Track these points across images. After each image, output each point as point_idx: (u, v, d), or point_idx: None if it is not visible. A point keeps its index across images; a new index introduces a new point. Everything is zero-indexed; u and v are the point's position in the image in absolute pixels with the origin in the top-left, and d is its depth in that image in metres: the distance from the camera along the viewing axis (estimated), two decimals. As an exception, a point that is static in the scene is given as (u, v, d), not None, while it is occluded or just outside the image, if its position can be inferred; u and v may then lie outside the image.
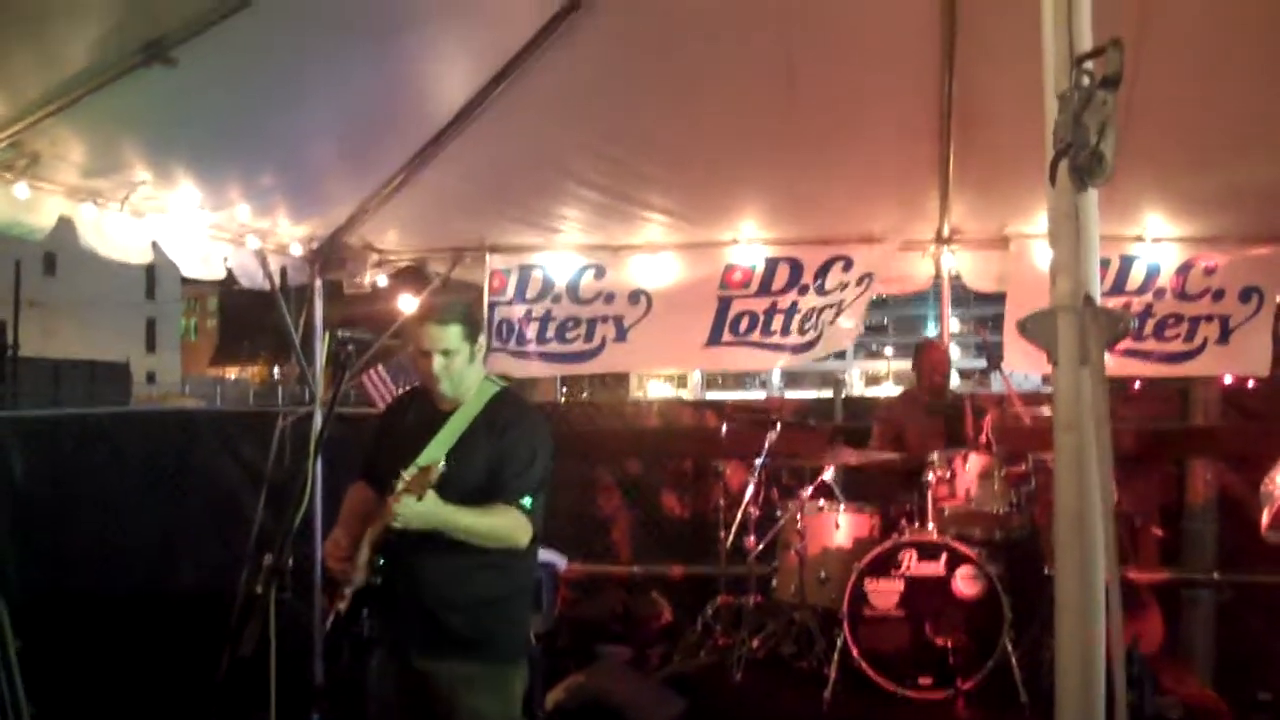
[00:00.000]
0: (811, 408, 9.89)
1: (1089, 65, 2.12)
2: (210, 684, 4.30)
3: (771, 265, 7.95)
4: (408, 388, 4.97)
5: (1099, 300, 1.79)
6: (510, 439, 4.25)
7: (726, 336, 8.03)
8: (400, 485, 3.90)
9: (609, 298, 8.10)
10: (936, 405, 7.72)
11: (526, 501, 4.17)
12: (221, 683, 3.85)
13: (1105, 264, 7.55)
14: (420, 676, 4.18)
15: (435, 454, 4.11)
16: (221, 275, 6.92)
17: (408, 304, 7.68)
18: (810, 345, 7.97)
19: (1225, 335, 7.60)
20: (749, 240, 7.90)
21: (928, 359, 7.85)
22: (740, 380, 56.18)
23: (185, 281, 44.00)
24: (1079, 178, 1.87)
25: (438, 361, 4.22)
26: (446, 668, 4.16)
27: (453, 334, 4.24)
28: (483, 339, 4.43)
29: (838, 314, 7.93)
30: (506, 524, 4.16)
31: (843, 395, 9.86)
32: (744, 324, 8.00)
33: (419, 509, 3.91)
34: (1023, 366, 7.92)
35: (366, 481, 4.49)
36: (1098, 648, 1.68)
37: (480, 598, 4.24)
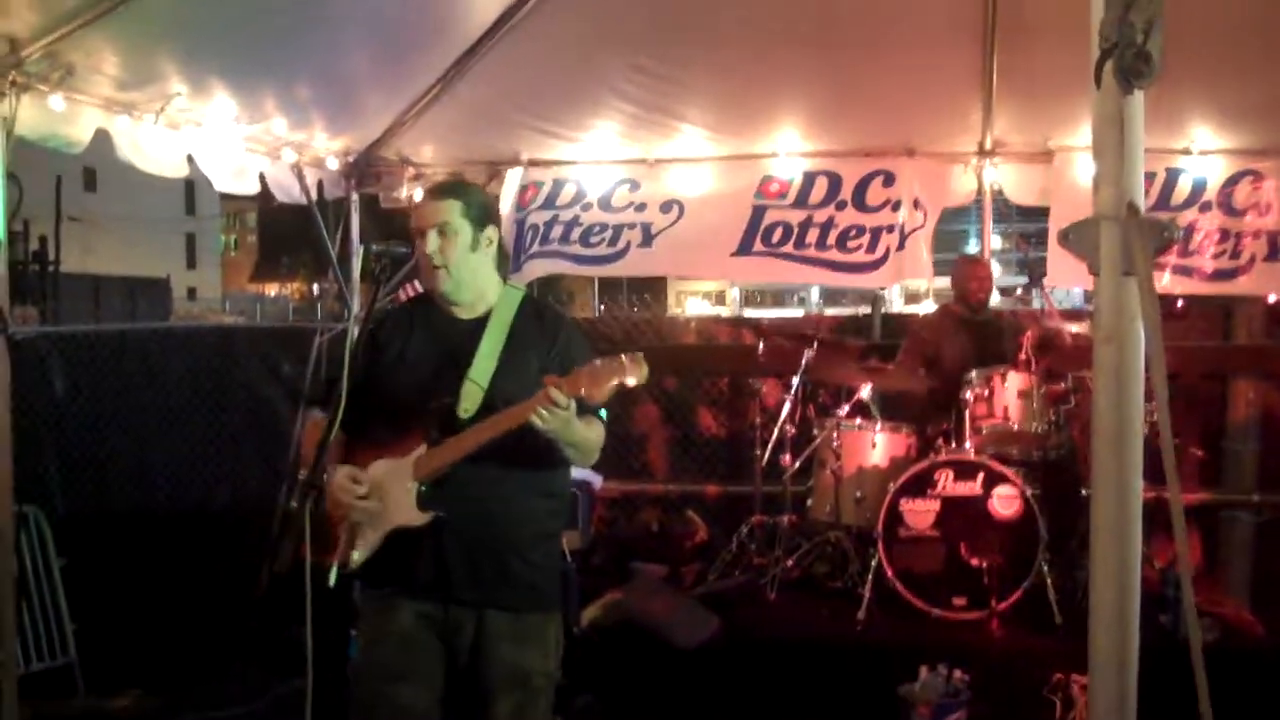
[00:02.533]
0: (849, 325, 9.80)
1: (1136, -35, 2.03)
2: (249, 599, 4.23)
3: (809, 179, 7.88)
4: (399, 300, 4.26)
5: (1143, 210, 1.71)
6: (565, 346, 3.83)
7: (758, 246, 7.95)
8: (563, 382, 3.43)
9: (640, 207, 8.07)
10: (974, 321, 7.62)
11: (603, 413, 3.75)
12: (260, 598, 3.78)
13: (1151, 177, 7.42)
14: (445, 628, 3.74)
15: (483, 369, 3.70)
16: (256, 190, 6.92)
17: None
18: (874, 266, 7.90)
19: (1275, 252, 7.46)
20: (788, 154, 7.82)
21: (969, 274, 7.74)
22: (779, 297, 55.92)
23: (224, 197, 43.99)
24: (1125, 79, 1.79)
25: (431, 240, 3.70)
26: (491, 617, 3.71)
27: (450, 208, 3.74)
28: (493, 231, 3.87)
29: (903, 240, 7.84)
30: (597, 437, 3.79)
31: (881, 312, 9.77)
32: (777, 234, 7.92)
33: (566, 414, 3.48)
34: (1067, 281, 7.82)
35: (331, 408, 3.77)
36: (1133, 569, 1.63)
37: (540, 533, 3.86)
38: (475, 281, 3.83)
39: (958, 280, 7.80)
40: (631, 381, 3.47)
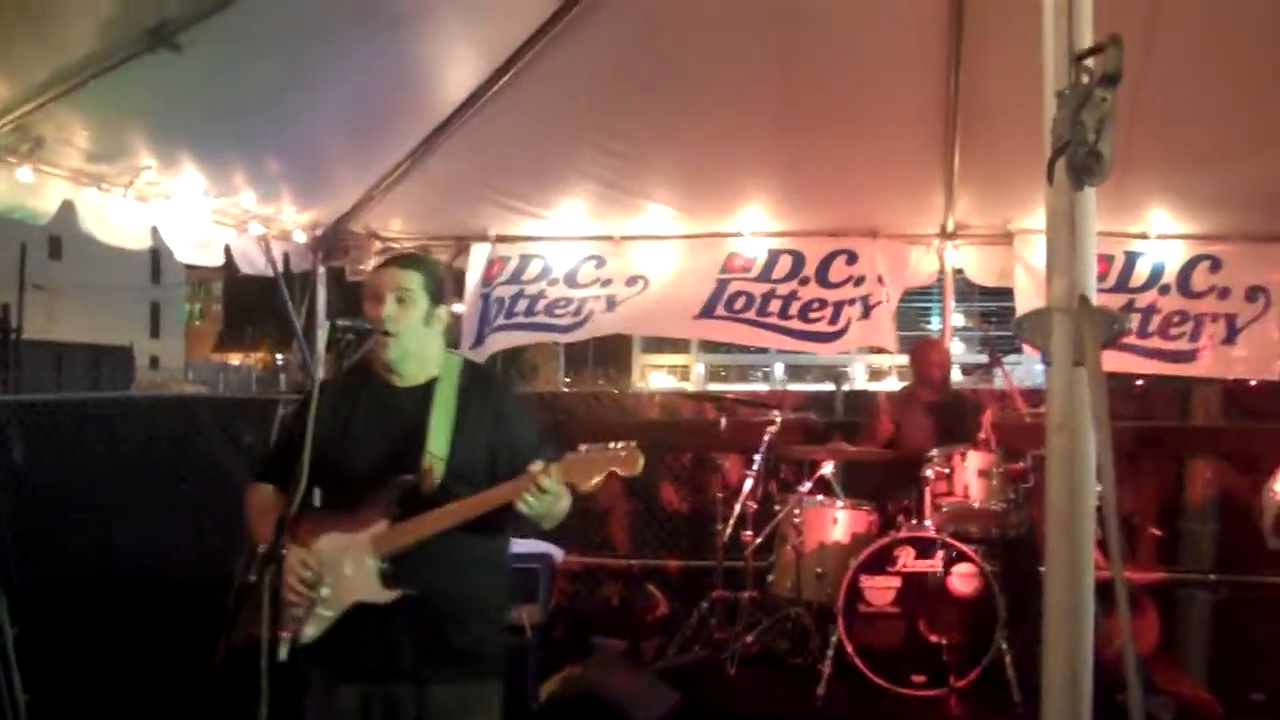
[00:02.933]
0: (813, 401, 9.86)
1: (1089, 63, 2.11)
2: (205, 672, 4.16)
3: (774, 256, 7.98)
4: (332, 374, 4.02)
5: (1095, 300, 1.77)
6: (512, 410, 3.85)
7: (720, 310, 8.01)
8: (554, 470, 3.44)
9: (605, 282, 8.12)
10: (936, 400, 7.71)
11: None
12: (217, 672, 3.72)
13: (1109, 260, 7.58)
14: (387, 707, 3.66)
15: (440, 441, 3.65)
16: (219, 262, 6.94)
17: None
18: (837, 335, 7.98)
19: (1232, 335, 7.57)
20: (753, 233, 7.92)
21: (926, 357, 7.83)
22: (743, 374, 56.04)
23: (190, 266, 43.93)
24: (1076, 176, 1.86)
25: (389, 305, 3.66)
26: (433, 692, 3.65)
27: (413, 280, 3.72)
28: (445, 311, 3.87)
29: (866, 310, 7.92)
30: (568, 505, 3.72)
31: (845, 389, 9.83)
32: (740, 302, 7.98)
33: (553, 498, 3.49)
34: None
35: (276, 481, 3.82)
36: (1085, 648, 1.67)
37: (484, 603, 3.80)
38: (421, 353, 3.80)
39: (916, 362, 7.90)
40: (624, 472, 3.50)
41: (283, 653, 3.52)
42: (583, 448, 3.53)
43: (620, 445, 3.52)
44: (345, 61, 5.66)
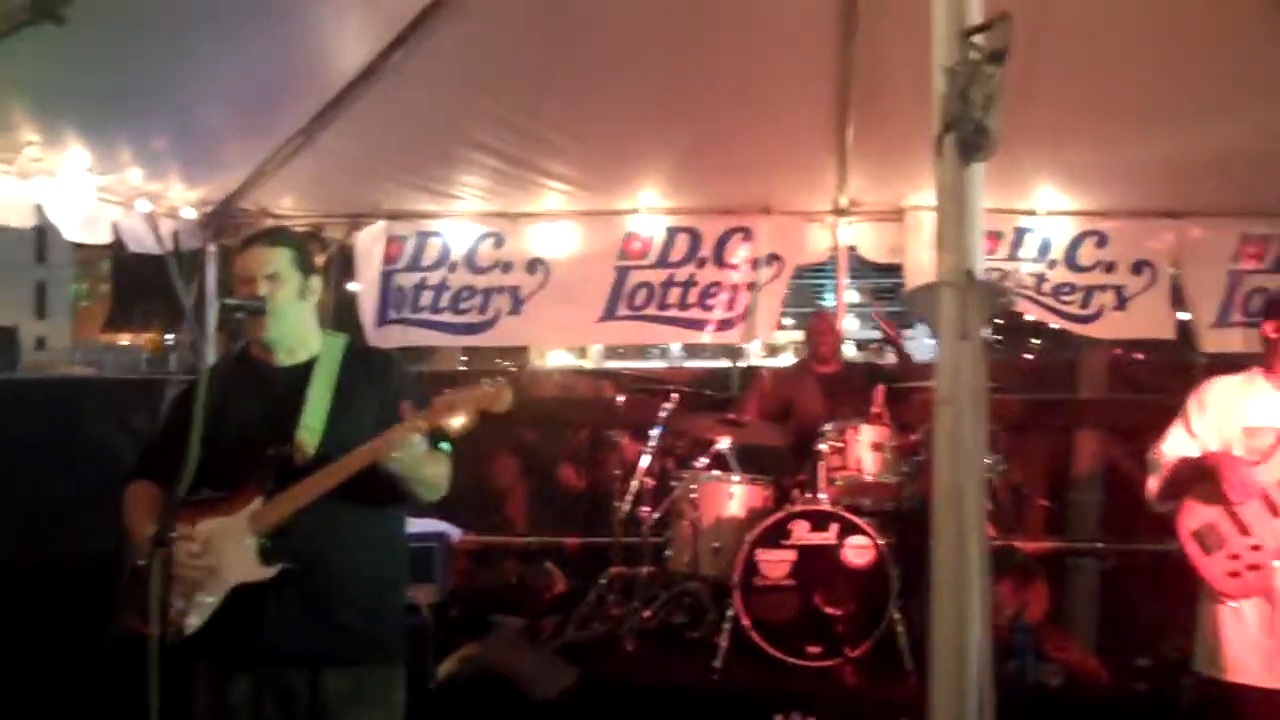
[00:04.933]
0: (709, 378, 9.91)
1: (978, 39, 2.12)
2: (96, 659, 4.04)
3: (671, 235, 8.03)
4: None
5: (981, 274, 1.79)
6: (399, 387, 3.69)
7: (622, 310, 8.10)
8: (410, 422, 3.37)
9: (506, 267, 8.11)
10: (830, 375, 7.78)
11: (446, 445, 3.62)
12: (107, 657, 3.62)
13: (999, 236, 7.73)
14: (281, 694, 3.56)
15: (316, 415, 3.58)
16: (108, 240, 6.78)
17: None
18: (733, 324, 8.09)
19: (1122, 303, 7.76)
20: (649, 210, 7.94)
21: (815, 330, 7.93)
22: (641, 350, 56.06)
23: (77, 245, 43.01)
24: (964, 152, 1.88)
25: (262, 287, 3.58)
26: (328, 677, 3.56)
27: (281, 257, 3.65)
28: (317, 281, 3.78)
29: (757, 295, 8.03)
30: (445, 472, 3.67)
31: (741, 365, 9.89)
32: (640, 297, 8.06)
33: (420, 451, 3.43)
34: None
35: (156, 477, 3.72)
36: (972, 618, 1.69)
37: (378, 582, 3.71)
38: (299, 330, 3.74)
39: (808, 335, 8.01)
40: (493, 408, 3.42)
41: (166, 642, 3.34)
42: (449, 390, 3.45)
43: (488, 383, 3.44)
44: (235, 34, 5.52)
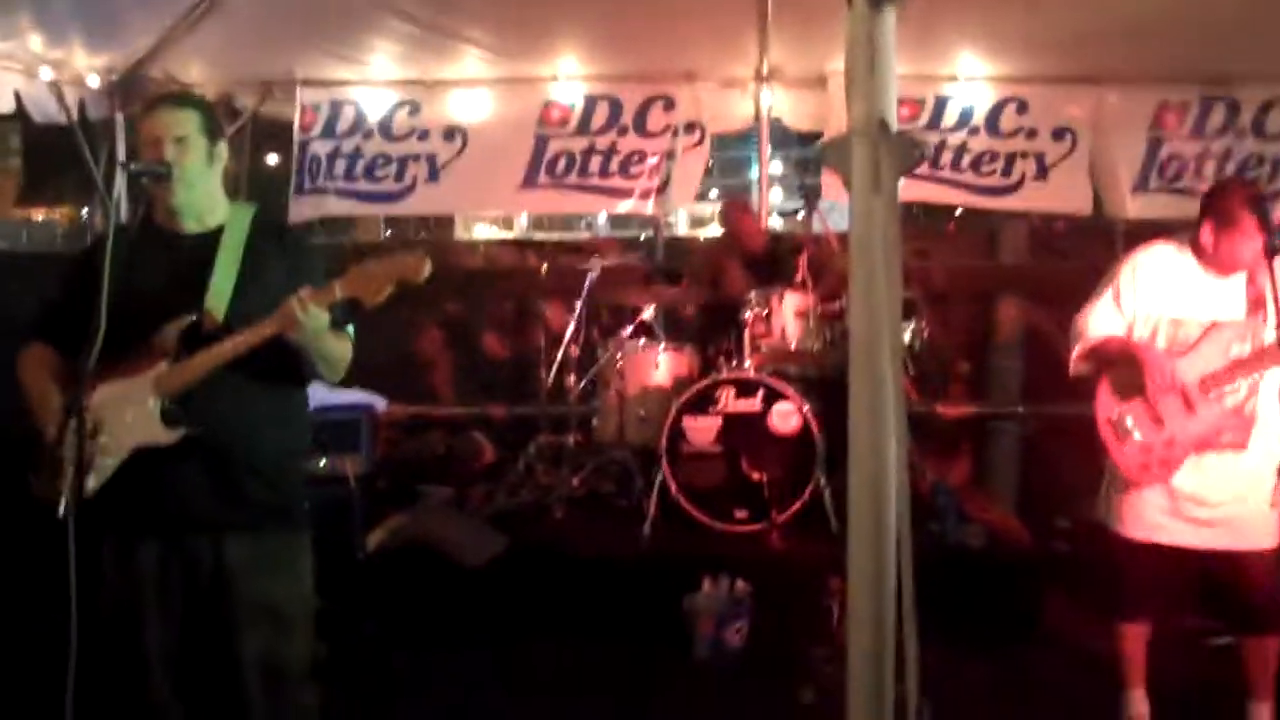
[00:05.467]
0: (634, 246, 9.89)
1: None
2: (13, 529, 3.98)
3: (590, 103, 7.96)
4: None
5: (895, 127, 1.78)
6: (309, 264, 3.63)
7: (543, 178, 8.05)
8: (336, 285, 3.33)
9: (423, 135, 8.03)
10: (751, 252, 7.77)
11: (350, 329, 3.61)
12: (22, 528, 3.56)
13: (920, 103, 7.72)
14: (186, 561, 3.52)
15: (224, 282, 3.49)
16: (11, 109, 6.63)
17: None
18: (655, 192, 8.06)
19: (1043, 172, 7.81)
20: (568, 77, 7.84)
21: (730, 221, 7.91)
22: (566, 221, 55.78)
23: (-16, 119, 41.86)
24: (875, -1, 1.85)
25: (169, 151, 3.46)
26: (231, 544, 3.52)
27: (189, 120, 3.52)
28: (223, 147, 3.67)
29: (673, 165, 8.00)
30: (346, 350, 3.62)
31: (665, 235, 9.88)
32: (560, 165, 8.01)
33: (322, 322, 3.35)
34: (841, 198, 8.02)
35: (55, 340, 3.64)
36: (887, 481, 1.70)
37: (282, 452, 3.68)
38: (206, 196, 3.62)
39: (728, 225, 7.95)
40: (412, 279, 3.36)
41: (61, 509, 3.30)
42: (368, 260, 3.39)
43: (405, 253, 3.39)
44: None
